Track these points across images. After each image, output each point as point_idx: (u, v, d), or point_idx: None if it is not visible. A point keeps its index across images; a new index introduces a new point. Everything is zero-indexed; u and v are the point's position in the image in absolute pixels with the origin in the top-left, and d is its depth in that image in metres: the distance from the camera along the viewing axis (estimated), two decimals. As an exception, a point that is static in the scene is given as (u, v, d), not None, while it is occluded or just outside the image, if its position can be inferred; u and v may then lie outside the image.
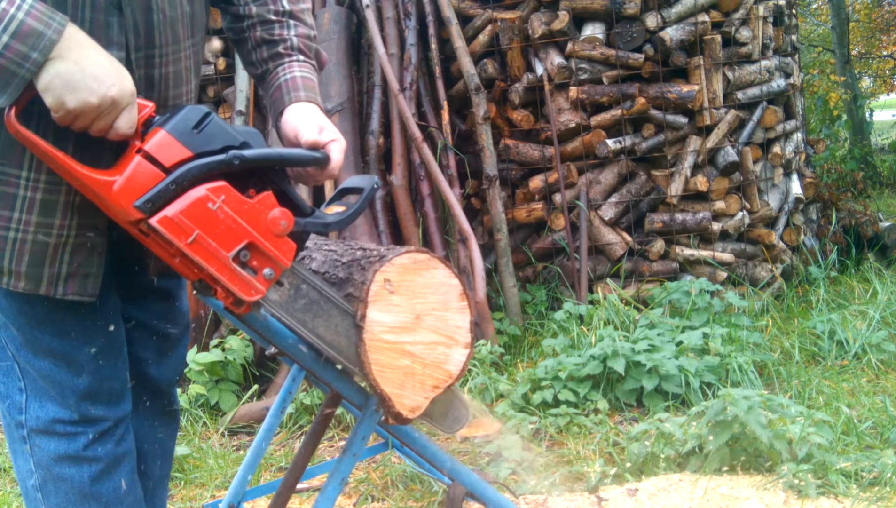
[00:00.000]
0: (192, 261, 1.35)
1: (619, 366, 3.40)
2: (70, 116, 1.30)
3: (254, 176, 1.42)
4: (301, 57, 1.66)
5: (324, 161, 1.50)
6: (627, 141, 4.56)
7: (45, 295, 1.45)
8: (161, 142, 1.34)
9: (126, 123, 1.33)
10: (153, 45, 1.46)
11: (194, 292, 1.90)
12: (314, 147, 1.51)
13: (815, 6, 15.99)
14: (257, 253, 1.39)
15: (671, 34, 4.48)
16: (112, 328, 1.57)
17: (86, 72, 1.28)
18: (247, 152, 1.38)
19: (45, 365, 1.50)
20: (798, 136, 5.30)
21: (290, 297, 1.47)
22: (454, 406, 1.77)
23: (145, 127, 1.37)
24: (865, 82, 17.39)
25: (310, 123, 1.55)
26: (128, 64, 1.42)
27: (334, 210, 1.53)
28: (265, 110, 4.51)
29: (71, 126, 1.32)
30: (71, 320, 1.50)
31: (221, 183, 1.35)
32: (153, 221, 1.32)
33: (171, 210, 1.32)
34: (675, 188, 4.57)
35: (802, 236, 5.17)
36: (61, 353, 1.50)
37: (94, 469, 1.55)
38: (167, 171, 1.34)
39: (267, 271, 1.39)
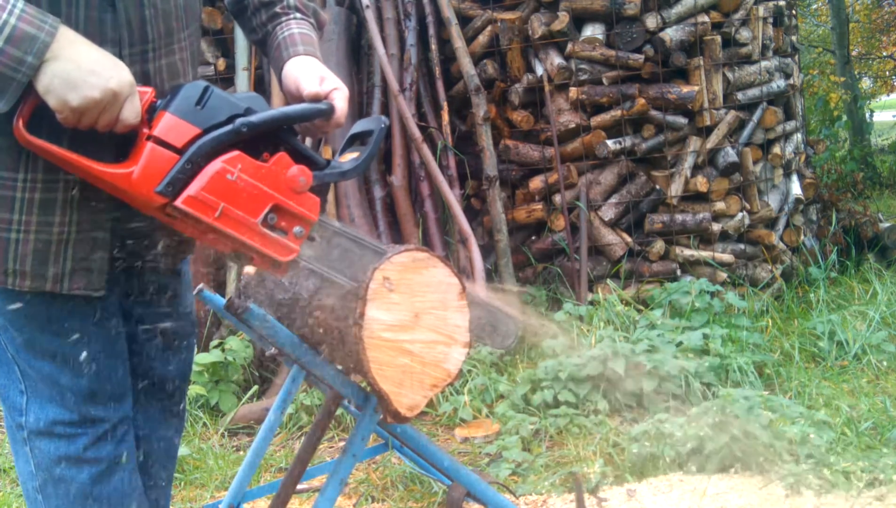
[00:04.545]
0: (223, 234, 1.37)
1: (619, 367, 3.40)
2: (75, 115, 1.30)
3: (264, 139, 1.43)
4: (298, 15, 1.68)
5: (328, 112, 1.50)
6: (627, 142, 4.55)
7: (49, 293, 1.45)
8: (168, 124, 1.35)
9: (131, 112, 1.34)
10: (146, 39, 1.47)
11: (196, 294, 1.91)
12: (316, 99, 1.51)
13: (815, 7, 15.99)
14: (284, 214, 1.41)
15: (671, 35, 4.48)
16: (113, 328, 1.57)
17: (83, 68, 1.29)
18: (253, 118, 1.38)
19: (45, 366, 1.50)
20: (798, 136, 5.30)
21: (325, 249, 1.50)
22: (501, 321, 1.76)
23: (149, 113, 1.38)
24: (865, 83, 17.39)
25: (310, 74, 1.55)
26: (121, 60, 1.41)
27: (348, 158, 1.53)
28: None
29: (78, 125, 1.32)
30: (71, 320, 1.50)
31: (235, 153, 1.37)
32: (178, 203, 1.34)
33: (192, 189, 1.34)
34: (675, 189, 4.57)
35: (802, 237, 5.17)
36: (62, 354, 1.50)
37: (94, 471, 1.54)
38: (180, 151, 1.35)
39: (297, 229, 1.42)
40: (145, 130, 1.36)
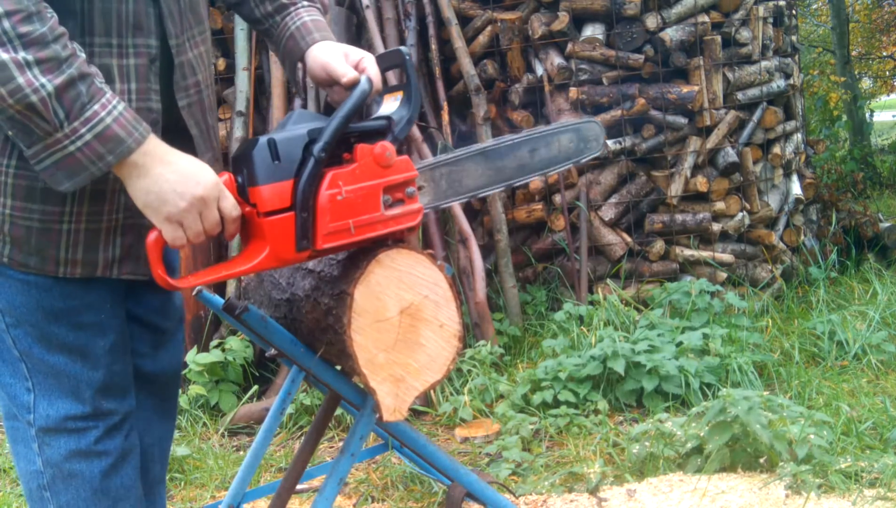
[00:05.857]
0: (364, 241, 1.49)
1: (619, 367, 3.40)
2: (174, 226, 1.37)
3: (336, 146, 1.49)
4: (305, 3, 1.71)
5: (370, 89, 1.54)
6: (627, 142, 4.55)
7: (63, 280, 1.48)
8: (268, 196, 1.42)
9: (228, 207, 1.41)
10: (183, 30, 1.52)
11: (195, 294, 1.91)
12: (354, 82, 1.54)
13: (815, 7, 15.99)
14: (392, 189, 1.50)
15: (671, 35, 4.48)
16: (121, 319, 1.59)
17: (171, 181, 1.35)
18: (323, 140, 1.44)
19: (59, 360, 1.51)
20: (798, 136, 5.30)
21: (435, 185, 1.64)
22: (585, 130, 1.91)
23: (239, 193, 1.44)
24: (865, 83, 17.37)
25: (335, 57, 1.60)
26: (166, 52, 1.48)
27: (390, 99, 1.60)
28: (265, 111, 4.50)
29: (191, 241, 1.39)
30: (87, 313, 1.52)
31: (329, 175, 1.44)
32: (319, 246, 1.45)
33: (321, 229, 1.44)
34: (675, 189, 4.57)
35: (802, 237, 5.17)
36: (78, 347, 1.51)
37: (104, 464, 1.55)
38: (291, 208, 1.42)
39: (409, 190, 1.52)
40: (251, 210, 1.43)
